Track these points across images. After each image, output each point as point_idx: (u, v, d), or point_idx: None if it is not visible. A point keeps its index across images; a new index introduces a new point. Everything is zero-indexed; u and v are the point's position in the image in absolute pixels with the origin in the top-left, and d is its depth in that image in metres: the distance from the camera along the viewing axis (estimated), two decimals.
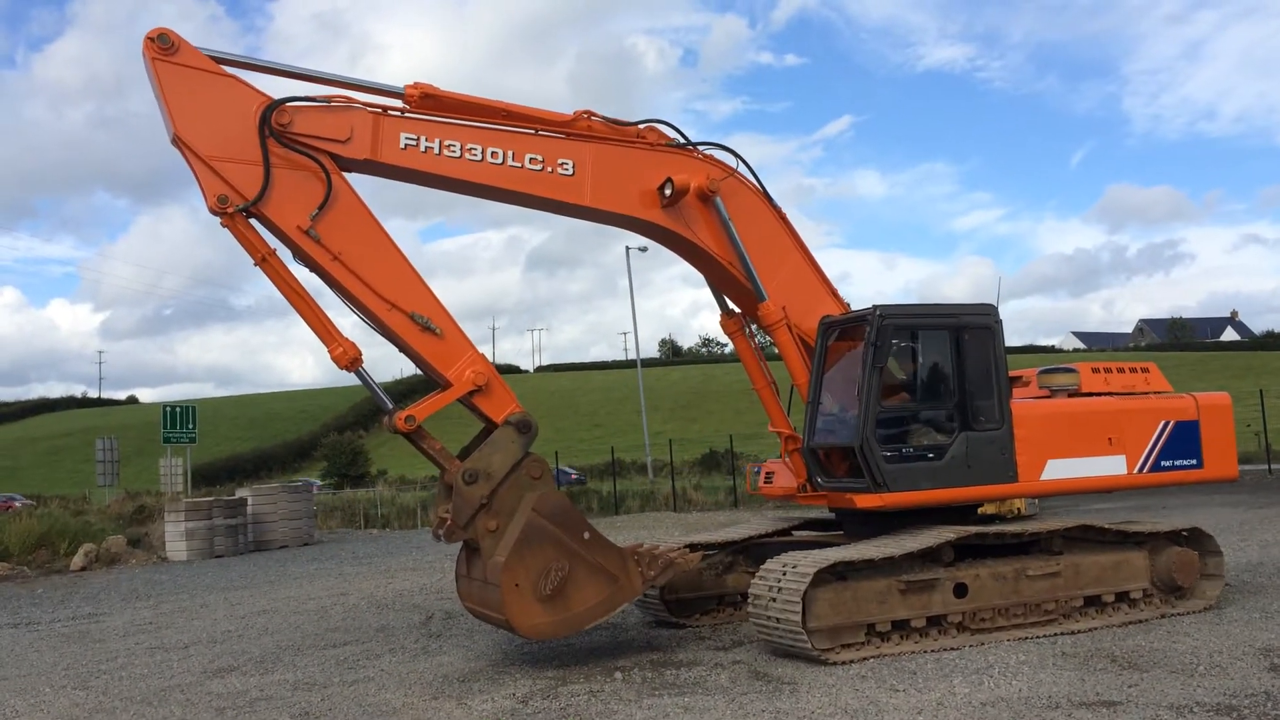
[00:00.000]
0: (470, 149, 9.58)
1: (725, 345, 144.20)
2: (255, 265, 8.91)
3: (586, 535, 9.11)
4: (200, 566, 22.36)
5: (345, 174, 9.30)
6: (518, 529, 8.89)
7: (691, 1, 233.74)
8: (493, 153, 9.65)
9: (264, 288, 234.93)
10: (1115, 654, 8.83)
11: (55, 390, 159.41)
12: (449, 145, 9.52)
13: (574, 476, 51.07)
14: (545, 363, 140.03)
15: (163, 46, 8.71)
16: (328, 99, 9.25)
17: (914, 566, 9.37)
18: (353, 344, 9.11)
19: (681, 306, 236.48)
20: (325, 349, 9.13)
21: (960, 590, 9.52)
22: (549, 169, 9.84)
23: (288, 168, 8.91)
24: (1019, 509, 17.95)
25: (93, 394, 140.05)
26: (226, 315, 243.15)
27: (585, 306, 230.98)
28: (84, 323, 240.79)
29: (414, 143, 9.40)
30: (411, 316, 9.05)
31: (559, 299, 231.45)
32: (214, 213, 8.74)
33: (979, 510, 11.00)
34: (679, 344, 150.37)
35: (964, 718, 7.09)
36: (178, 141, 8.73)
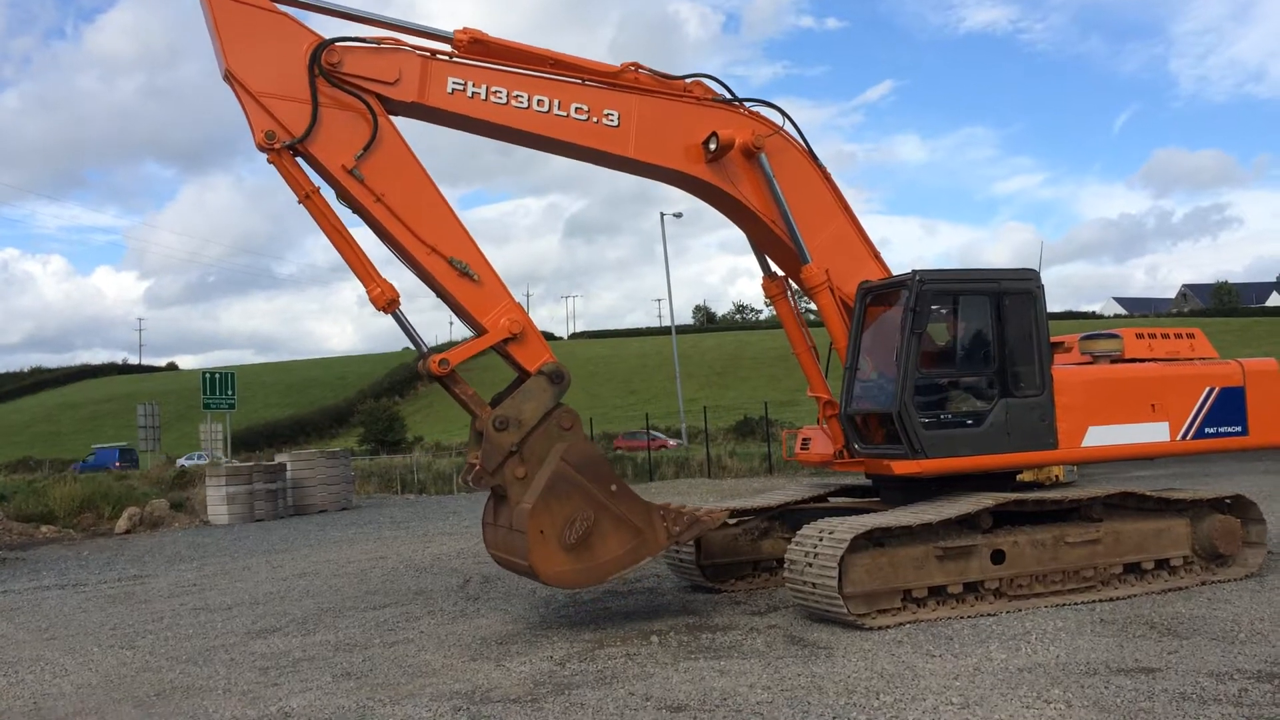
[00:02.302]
0: (516, 96, 9.60)
1: (759, 312, 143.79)
2: (299, 203, 8.99)
3: (614, 487, 9.09)
4: (241, 530, 22.70)
5: (392, 118, 9.34)
6: (545, 477, 8.90)
7: None
8: (538, 100, 9.67)
9: (306, 255, 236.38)
10: (1154, 621, 8.76)
11: (99, 357, 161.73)
12: (495, 91, 9.55)
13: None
14: (580, 329, 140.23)
15: None
16: (378, 40, 9.31)
17: (951, 533, 9.32)
18: (391, 285, 9.11)
19: (719, 274, 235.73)
20: (364, 291, 9.14)
21: (998, 557, 9.47)
22: (594, 119, 9.84)
23: (335, 108, 8.98)
24: (1057, 476, 17.82)
25: (133, 360, 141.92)
26: (269, 283, 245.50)
27: (623, 273, 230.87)
28: (129, 290, 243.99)
29: (461, 87, 9.45)
30: (450, 261, 9.05)
31: (597, 265, 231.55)
32: (261, 149, 8.83)
33: (1018, 477, 10.91)
34: (713, 311, 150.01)
35: (1000, 683, 7.07)
36: (229, 77, 8.81)
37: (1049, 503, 9.86)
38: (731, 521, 11.16)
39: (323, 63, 8.92)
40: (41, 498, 23.95)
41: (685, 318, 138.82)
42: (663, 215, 51.06)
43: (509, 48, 9.88)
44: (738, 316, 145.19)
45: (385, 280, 9.13)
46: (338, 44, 9.06)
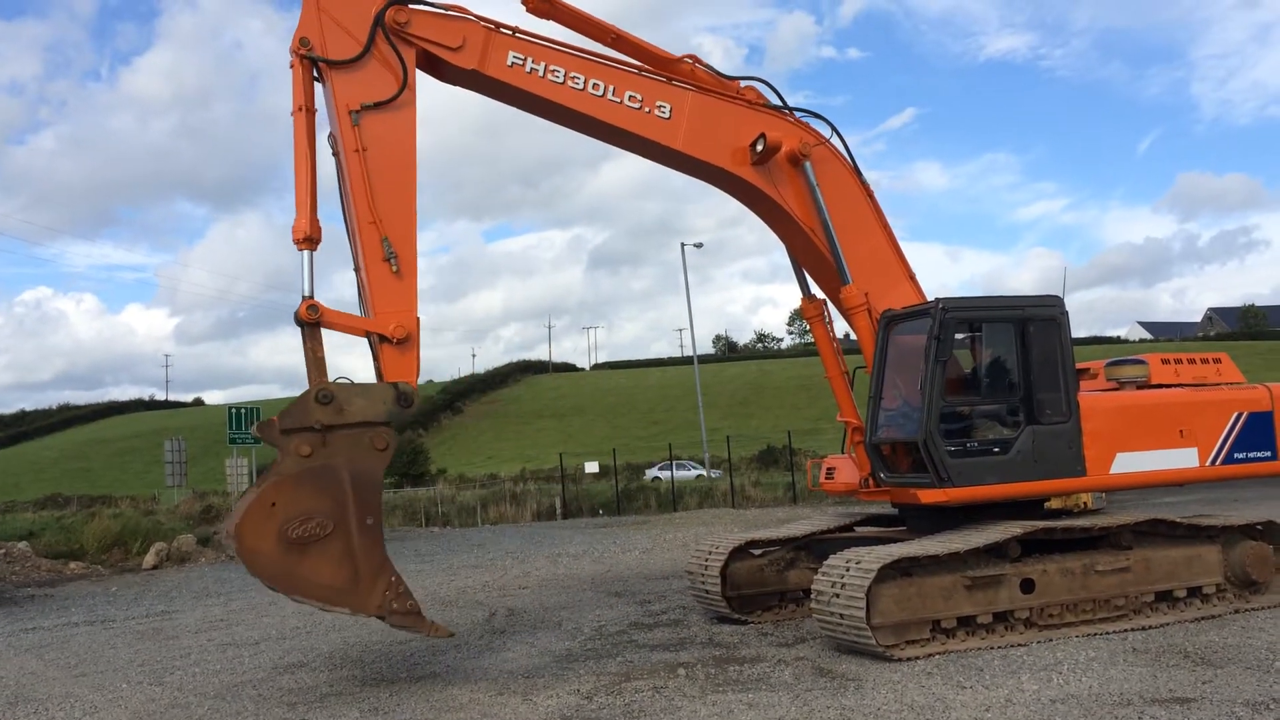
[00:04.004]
0: (573, 77, 9.85)
1: (780, 341, 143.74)
2: (290, 114, 9.03)
3: (369, 521, 8.41)
4: None
5: (451, 85, 9.72)
6: (319, 462, 8.32)
7: None
8: (594, 84, 9.91)
9: (333, 290, 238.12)
10: (1188, 650, 8.65)
11: (128, 393, 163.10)
12: (553, 70, 9.80)
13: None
14: (603, 360, 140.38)
15: None
16: (446, 8, 9.57)
17: (980, 562, 9.25)
18: (319, 228, 8.89)
19: (742, 303, 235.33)
20: (297, 221, 8.87)
21: (1027, 586, 9.38)
22: (646, 108, 10.06)
23: (378, 60, 9.17)
24: (1086, 503, 17.62)
25: (160, 396, 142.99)
26: None
27: (646, 304, 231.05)
28: (159, 327, 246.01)
29: (520, 62, 9.69)
30: (383, 241, 8.86)
31: (621, 297, 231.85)
32: (292, 50, 9.02)
33: (1045, 505, 10.83)
34: (734, 340, 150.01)
35: (1033, 715, 6.99)
36: None
37: (1078, 530, 9.77)
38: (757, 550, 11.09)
39: (391, 20, 9.19)
40: (72, 534, 24.11)
41: (706, 347, 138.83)
42: (683, 245, 51.14)
43: (575, 13, 10.36)
44: (759, 346, 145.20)
45: (317, 221, 8.89)
46: (406, 6, 9.32)
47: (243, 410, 34.55)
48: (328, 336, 8.81)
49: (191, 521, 28.05)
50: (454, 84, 10.01)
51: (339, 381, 8.60)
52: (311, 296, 8.67)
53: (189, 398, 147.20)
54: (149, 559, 23.23)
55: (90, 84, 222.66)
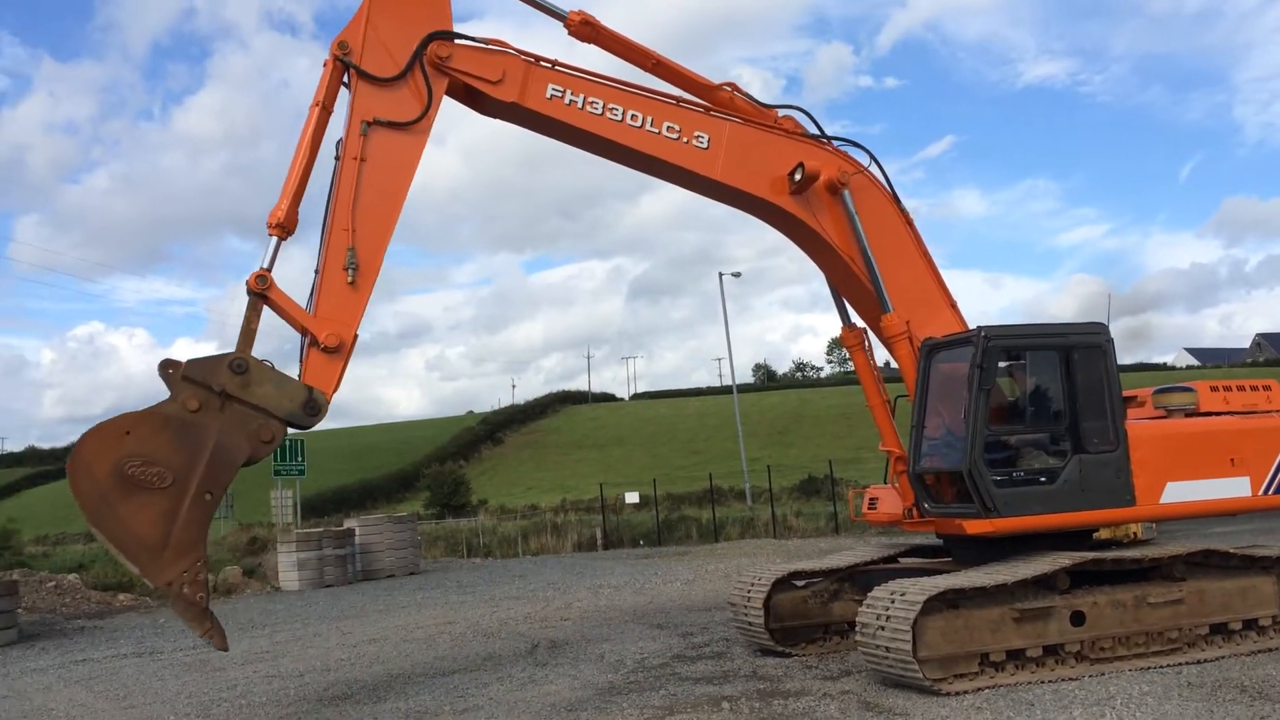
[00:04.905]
0: (611, 108, 9.98)
1: (820, 370, 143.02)
2: (310, 105, 9.19)
3: (208, 496, 8.02)
4: (311, 596, 22.92)
5: (491, 118, 9.92)
6: (198, 418, 8.05)
7: (791, 29, 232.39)
8: (632, 115, 10.05)
9: (375, 323, 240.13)
10: (1245, 684, 8.46)
11: None
12: (592, 102, 9.95)
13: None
14: (642, 390, 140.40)
15: None
16: (486, 41, 9.78)
17: (1028, 594, 9.12)
18: (295, 219, 8.94)
19: (781, 331, 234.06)
20: (277, 206, 8.92)
21: (1078, 618, 9.23)
22: (685, 139, 10.17)
23: (408, 85, 9.38)
24: (1135, 533, 17.34)
25: None
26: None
27: (686, 333, 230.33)
28: None
29: (559, 94, 9.85)
30: (349, 250, 8.87)
31: (660, 326, 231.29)
32: (330, 52, 9.23)
33: (1094, 535, 10.67)
34: (773, 369, 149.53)
35: None
36: None
37: (1128, 562, 9.62)
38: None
39: (433, 54, 9.41)
40: (121, 567, 24.40)
41: (746, 376, 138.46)
42: (722, 275, 51.16)
43: (618, 38, 10.53)
44: (798, 374, 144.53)
45: (295, 213, 8.95)
46: (450, 41, 9.54)
47: (288, 442, 34.89)
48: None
49: (237, 553, 28.36)
50: (494, 116, 10.17)
51: (262, 361, 8.46)
52: (267, 271, 8.68)
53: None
54: None
55: (143, 123, 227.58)
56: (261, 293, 8.59)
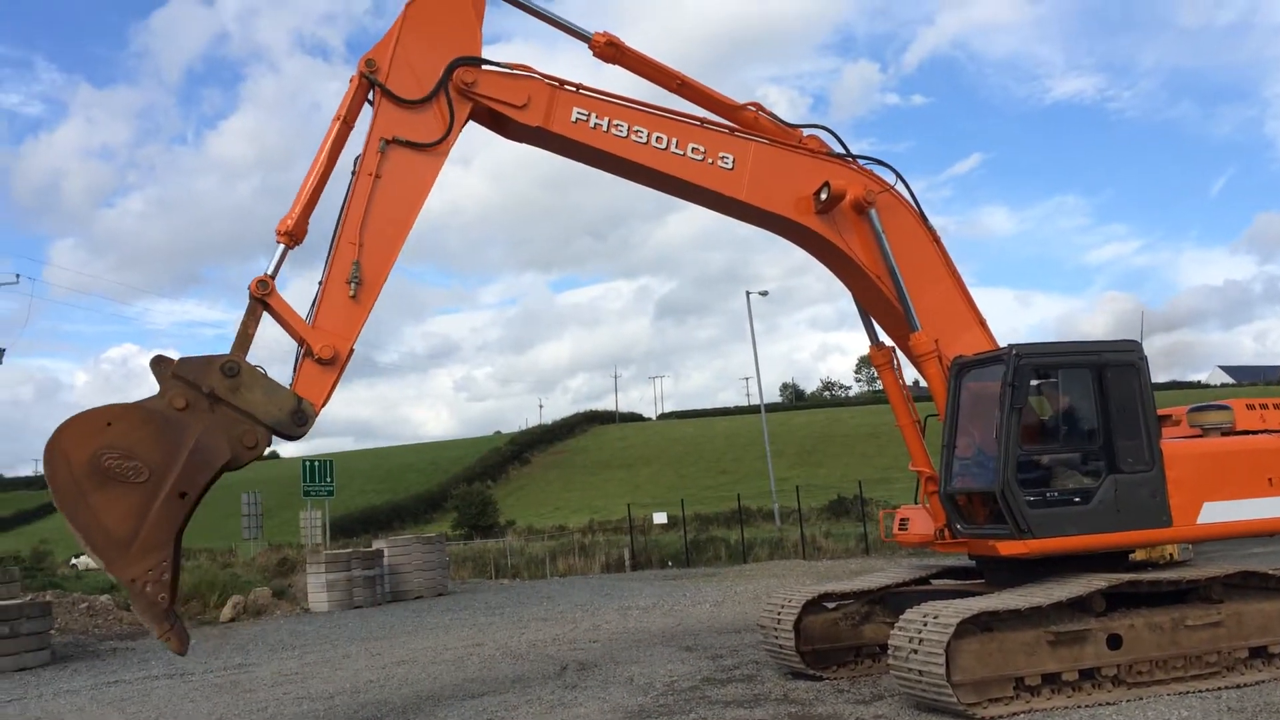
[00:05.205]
0: (636, 130, 10.01)
1: (849, 389, 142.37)
2: (332, 119, 9.32)
3: (181, 496, 7.96)
4: (341, 617, 22.97)
5: (517, 142, 9.98)
6: (182, 417, 8.04)
7: (817, 48, 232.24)
8: (657, 137, 10.06)
9: (405, 344, 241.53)
10: None
11: None
12: (616, 125, 9.97)
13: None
14: (669, 409, 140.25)
15: None
16: (511, 67, 9.85)
17: (1063, 617, 8.99)
18: (304, 229, 9.06)
19: (809, 350, 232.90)
20: (288, 214, 9.05)
21: (1114, 641, 9.09)
22: (710, 160, 10.17)
23: (432, 109, 9.47)
24: (1171, 555, 17.10)
25: None
26: (370, 371, 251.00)
27: (713, 353, 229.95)
28: None
29: (584, 118, 9.89)
30: (354, 264, 8.96)
31: (688, 345, 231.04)
32: (357, 68, 9.35)
33: (1130, 557, 10.52)
34: (801, 388, 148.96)
35: None
36: (406, 9, 9.57)
37: (1165, 583, 9.46)
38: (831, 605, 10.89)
39: (459, 79, 9.49)
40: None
41: (774, 396, 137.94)
42: (749, 294, 51.11)
43: (642, 59, 10.56)
44: (826, 394, 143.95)
45: (305, 223, 9.07)
46: (476, 67, 9.63)
47: (317, 463, 35.08)
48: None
49: (267, 574, 28.46)
50: (520, 141, 10.21)
51: (254, 367, 8.47)
52: (270, 277, 8.78)
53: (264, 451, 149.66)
54: (226, 612, 23.59)
55: (176, 147, 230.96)
56: (261, 298, 8.69)
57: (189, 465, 7.97)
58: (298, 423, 8.46)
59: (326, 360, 8.68)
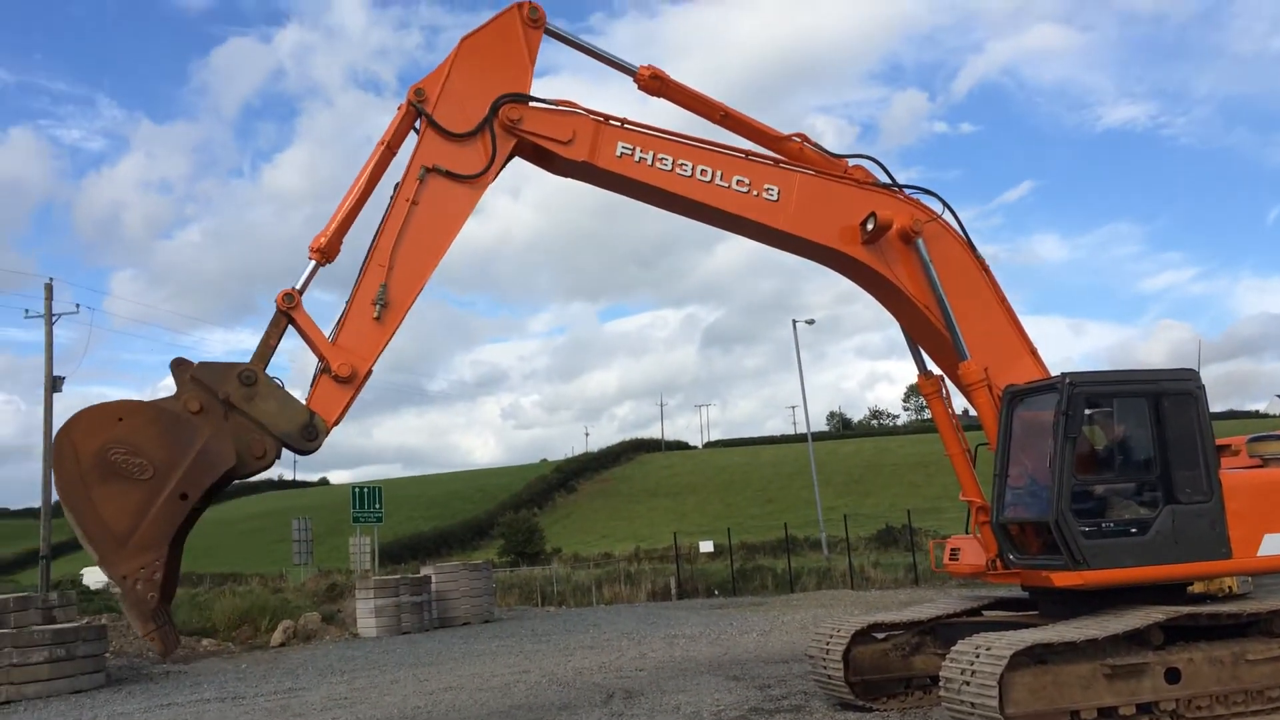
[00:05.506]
0: (681, 164, 10.06)
1: (896, 418, 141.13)
2: (377, 143, 9.48)
3: (182, 497, 7.98)
4: (389, 643, 23.09)
5: (563, 177, 10.08)
6: (194, 419, 8.10)
7: (865, 77, 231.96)
8: (701, 170, 10.10)
9: (454, 372, 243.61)
10: None
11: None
12: (661, 158, 10.03)
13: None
14: (716, 438, 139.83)
15: (531, 16, 9.92)
16: (556, 103, 9.96)
17: (1120, 649, 8.80)
18: (337, 248, 9.18)
19: (857, 379, 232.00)
20: (322, 232, 9.19)
21: (1173, 676, 8.88)
22: (755, 192, 10.20)
23: (477, 143, 9.59)
24: (1231, 587, 16.71)
25: (289, 476, 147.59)
26: (420, 399, 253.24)
27: (760, 381, 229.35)
28: None
29: (629, 152, 9.96)
30: (381, 286, 9.05)
31: (735, 374, 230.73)
32: (406, 96, 9.53)
33: (1189, 589, 10.30)
34: (849, 417, 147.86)
35: None
36: (460, 44, 9.76)
37: (1225, 616, 9.25)
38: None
39: (505, 116, 9.63)
40: (204, 612, 24.94)
41: (821, 424, 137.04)
42: (795, 322, 51.08)
43: (686, 91, 10.64)
44: (874, 422, 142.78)
45: (339, 242, 9.18)
46: (522, 103, 9.76)
47: (366, 489, 35.46)
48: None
49: (317, 599, 28.71)
50: (565, 175, 10.28)
51: (272, 378, 8.53)
52: (298, 292, 8.91)
53: (315, 477, 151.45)
54: (276, 636, 23.82)
55: (233, 180, 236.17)
56: (286, 311, 8.82)
57: (193, 467, 8.04)
58: (308, 437, 8.52)
59: (344, 378, 8.77)
